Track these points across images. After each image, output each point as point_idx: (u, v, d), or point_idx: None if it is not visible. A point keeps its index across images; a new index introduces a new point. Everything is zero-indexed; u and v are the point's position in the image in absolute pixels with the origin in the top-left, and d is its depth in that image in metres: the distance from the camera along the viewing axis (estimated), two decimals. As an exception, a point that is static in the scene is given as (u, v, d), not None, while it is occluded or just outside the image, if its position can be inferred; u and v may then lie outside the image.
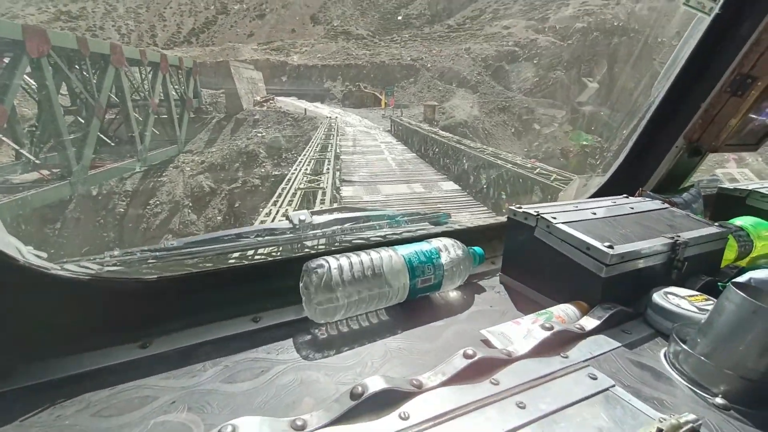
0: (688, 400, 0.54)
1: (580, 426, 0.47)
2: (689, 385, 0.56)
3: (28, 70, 13.92)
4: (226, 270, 0.77)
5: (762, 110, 1.05)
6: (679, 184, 1.29)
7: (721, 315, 0.55)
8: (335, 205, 9.45)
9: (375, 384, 0.48)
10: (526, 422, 0.47)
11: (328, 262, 0.71)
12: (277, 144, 24.23)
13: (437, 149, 17.10)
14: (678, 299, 0.69)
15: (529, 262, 0.88)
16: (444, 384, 0.53)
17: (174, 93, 24.88)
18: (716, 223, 0.98)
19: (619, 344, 0.65)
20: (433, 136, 18.02)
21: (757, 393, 0.52)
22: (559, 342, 0.64)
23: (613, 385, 0.54)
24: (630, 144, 1.22)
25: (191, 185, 22.55)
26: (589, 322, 0.68)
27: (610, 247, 0.72)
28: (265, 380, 0.59)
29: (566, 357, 0.61)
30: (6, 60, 13.85)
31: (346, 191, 11.82)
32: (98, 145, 17.55)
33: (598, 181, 1.33)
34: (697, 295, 0.71)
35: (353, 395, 0.47)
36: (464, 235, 1.01)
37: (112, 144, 19.76)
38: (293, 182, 10.02)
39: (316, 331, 0.72)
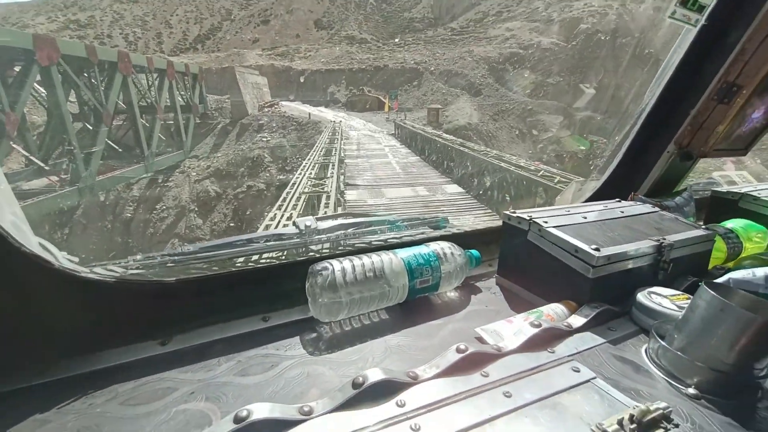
0: (664, 390, 0.58)
1: (560, 413, 0.52)
2: (665, 377, 0.60)
3: (38, 78, 14.21)
4: (237, 273, 0.83)
5: (748, 117, 1.09)
6: (673, 187, 1.33)
7: (695, 313, 0.59)
8: (339, 210, 9.52)
9: (375, 375, 0.54)
10: (511, 409, 0.52)
11: (332, 264, 0.76)
12: (281, 148, 24.42)
13: (441, 152, 17.14)
14: (660, 298, 0.74)
15: (523, 264, 0.92)
16: (438, 376, 0.58)
17: (180, 99, 25.24)
18: (704, 226, 1.02)
19: (604, 340, 0.69)
20: (436, 139, 18.06)
21: (726, 383, 0.56)
22: (547, 338, 0.68)
23: (595, 377, 0.59)
24: (623, 149, 1.26)
25: (197, 190, 22.80)
26: (577, 320, 0.73)
27: (597, 249, 0.76)
28: (274, 374, 0.64)
29: (553, 352, 0.65)
30: (17, 69, 14.16)
31: (351, 195, 11.87)
32: (106, 152, 17.84)
33: (594, 185, 1.37)
34: (679, 295, 0.76)
35: (355, 385, 0.53)
36: (463, 239, 1.06)
37: (120, 150, 20.06)
38: (297, 187, 10.11)
39: (321, 329, 0.77)
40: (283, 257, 1.01)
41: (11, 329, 0.61)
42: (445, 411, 0.52)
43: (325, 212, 8.59)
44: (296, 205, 8.81)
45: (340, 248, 1.01)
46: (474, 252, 0.96)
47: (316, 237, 0.94)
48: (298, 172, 12.45)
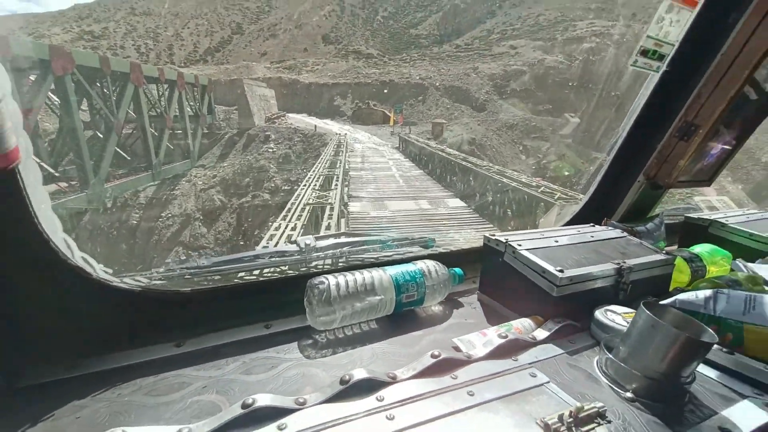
0: (606, 394, 0.68)
1: (512, 410, 0.62)
2: (609, 384, 0.70)
3: (52, 87, 14.63)
4: (244, 285, 0.94)
5: (706, 152, 1.20)
6: (646, 213, 1.44)
7: (635, 328, 0.70)
8: (342, 221, 9.66)
9: (359, 374, 0.64)
10: (472, 405, 0.62)
11: (327, 279, 0.87)
12: (287, 159, 24.75)
13: (444, 166, 17.35)
14: (614, 315, 0.84)
15: (500, 282, 1.02)
16: (414, 377, 0.68)
17: (189, 109, 25.78)
18: (677, 248, 1.12)
19: (563, 351, 0.79)
20: (440, 153, 18.31)
21: (657, 389, 0.66)
22: (513, 348, 0.79)
23: (548, 382, 0.69)
24: (599, 177, 1.37)
25: (203, 199, 23.07)
26: (541, 333, 0.83)
27: (561, 270, 0.87)
28: (275, 373, 0.74)
29: (516, 360, 0.75)
30: (32, 78, 14.59)
31: (354, 207, 12.02)
32: (115, 159, 18.20)
33: (574, 209, 1.48)
34: (632, 312, 0.86)
35: (342, 381, 0.63)
36: (449, 258, 1.17)
37: (128, 158, 20.45)
38: (302, 198, 10.27)
39: (317, 336, 0.88)
40: (285, 270, 1.12)
41: (54, 329, 0.72)
42: (417, 405, 0.62)
43: (329, 223, 8.72)
44: (300, 215, 8.95)
45: (335, 264, 1.12)
46: (457, 270, 1.07)
47: (315, 254, 1.06)
48: (303, 183, 12.63)
